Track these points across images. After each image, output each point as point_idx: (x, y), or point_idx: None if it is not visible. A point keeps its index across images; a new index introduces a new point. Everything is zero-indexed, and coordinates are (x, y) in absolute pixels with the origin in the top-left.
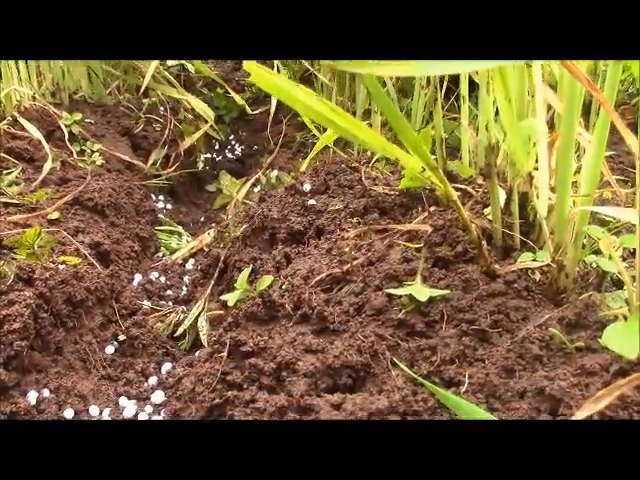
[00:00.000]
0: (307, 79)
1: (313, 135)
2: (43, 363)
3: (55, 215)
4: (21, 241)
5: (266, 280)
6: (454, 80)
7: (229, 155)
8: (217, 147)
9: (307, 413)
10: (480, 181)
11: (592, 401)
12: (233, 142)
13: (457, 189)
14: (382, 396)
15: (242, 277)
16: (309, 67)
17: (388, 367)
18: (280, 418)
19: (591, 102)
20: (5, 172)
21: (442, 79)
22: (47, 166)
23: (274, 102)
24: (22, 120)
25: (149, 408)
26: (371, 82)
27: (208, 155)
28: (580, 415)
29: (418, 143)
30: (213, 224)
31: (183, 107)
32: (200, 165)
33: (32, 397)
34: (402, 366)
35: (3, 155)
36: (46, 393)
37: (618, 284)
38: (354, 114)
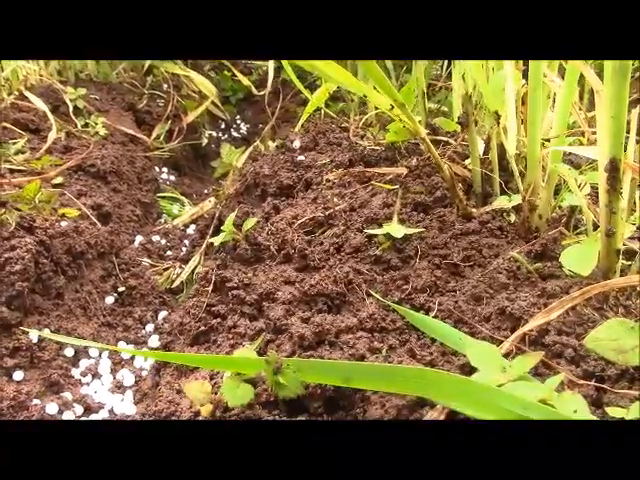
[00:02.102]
0: None
1: (317, 110)
2: (44, 306)
3: (59, 180)
4: (22, 195)
5: (251, 222)
6: None
7: (234, 134)
8: (223, 126)
9: (281, 333)
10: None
11: (545, 312)
12: (239, 121)
13: (439, 141)
14: (350, 316)
15: (228, 220)
16: None
17: (363, 297)
18: (256, 339)
19: None
20: (12, 142)
21: None
22: (52, 135)
23: (271, 73)
24: (28, 93)
25: (146, 350)
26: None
27: (212, 132)
28: (533, 324)
29: (385, 82)
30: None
31: (186, 84)
32: (205, 141)
33: (34, 336)
34: (375, 295)
35: (9, 126)
36: (47, 332)
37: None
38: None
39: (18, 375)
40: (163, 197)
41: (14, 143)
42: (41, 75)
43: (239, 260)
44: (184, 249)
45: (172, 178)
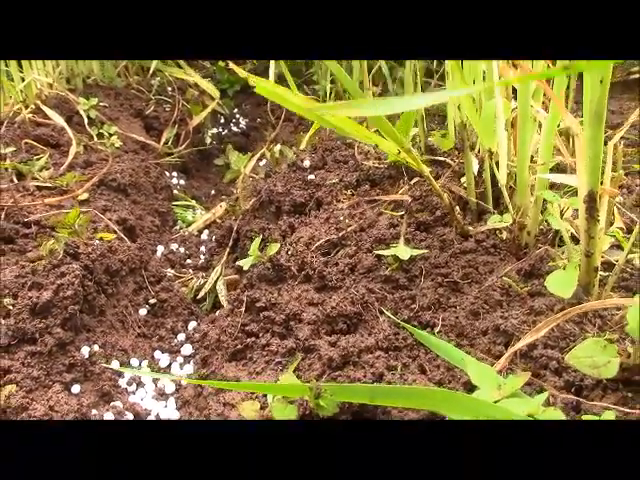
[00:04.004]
0: None
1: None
2: (91, 324)
3: (84, 196)
4: (63, 221)
5: (274, 247)
6: None
7: (234, 129)
8: (222, 121)
9: (311, 352)
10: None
11: (534, 331)
12: (237, 116)
13: (437, 161)
14: (370, 337)
15: (254, 245)
16: None
17: (376, 315)
18: (290, 358)
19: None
20: (35, 158)
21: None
22: (72, 151)
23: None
24: (46, 109)
25: (180, 359)
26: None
27: (215, 130)
28: (523, 342)
29: (391, 130)
30: (223, 196)
31: (189, 85)
32: (208, 140)
33: (85, 351)
34: (387, 313)
35: (32, 142)
36: (96, 348)
37: (573, 238)
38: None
39: (75, 388)
40: (177, 205)
41: (37, 159)
42: (51, 85)
43: (263, 279)
44: (202, 257)
45: (182, 182)
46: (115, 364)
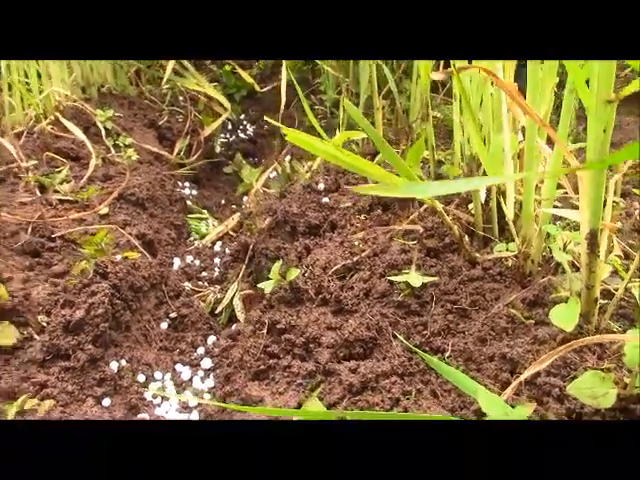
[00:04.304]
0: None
1: (321, 118)
2: (118, 339)
3: (105, 210)
4: (91, 240)
5: (293, 272)
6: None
7: (242, 135)
8: (230, 127)
9: (331, 375)
10: None
11: (537, 363)
12: (244, 122)
13: None
14: (385, 362)
15: (275, 269)
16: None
17: (390, 339)
18: (309, 381)
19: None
20: (56, 170)
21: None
22: (92, 164)
23: (284, 92)
24: (65, 121)
25: (201, 372)
26: (357, 116)
27: (223, 136)
28: (528, 373)
29: (410, 172)
30: (234, 206)
31: (200, 95)
32: (217, 149)
33: (114, 366)
34: (401, 338)
35: (53, 155)
36: (123, 362)
37: (574, 267)
38: (357, 95)
39: (106, 402)
40: (191, 217)
41: (58, 171)
42: (66, 95)
43: (282, 301)
44: (216, 269)
45: (194, 192)
46: (141, 377)
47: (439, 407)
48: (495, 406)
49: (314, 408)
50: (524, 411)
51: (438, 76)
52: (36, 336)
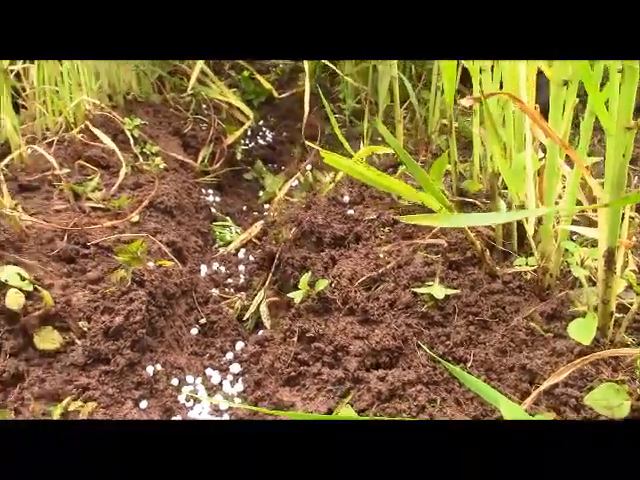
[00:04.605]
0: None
1: (340, 126)
2: (153, 345)
3: (136, 218)
4: (127, 250)
5: (322, 283)
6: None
7: (261, 141)
8: (249, 133)
9: (359, 383)
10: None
11: (556, 375)
12: (263, 128)
13: (467, 202)
14: (411, 370)
15: (304, 279)
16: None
17: (414, 349)
18: (339, 387)
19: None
20: (88, 178)
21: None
22: (122, 173)
23: (307, 102)
24: (96, 131)
25: (230, 377)
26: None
27: (244, 146)
28: (547, 384)
29: (438, 193)
30: (255, 213)
31: (223, 103)
32: (239, 156)
33: (150, 370)
34: (425, 348)
35: (84, 163)
36: (158, 367)
37: (591, 281)
38: (376, 104)
39: (143, 404)
40: (216, 225)
41: (90, 179)
42: (96, 104)
43: (311, 311)
44: (241, 276)
45: (217, 199)
46: (175, 381)
47: (462, 415)
48: (516, 415)
49: (346, 414)
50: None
51: (467, 103)
52: (77, 341)
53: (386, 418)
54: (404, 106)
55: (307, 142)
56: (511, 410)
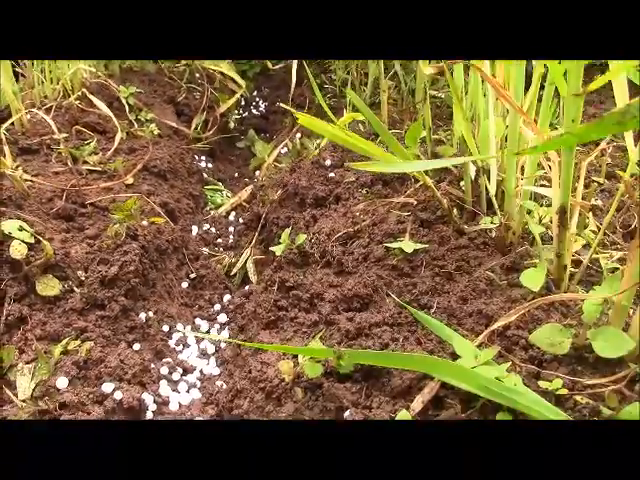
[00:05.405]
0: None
1: (330, 97)
2: (146, 294)
3: (130, 180)
4: (122, 207)
5: (301, 237)
6: None
7: (254, 111)
8: (243, 103)
9: (332, 325)
10: None
11: (506, 316)
12: (257, 99)
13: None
14: (379, 315)
15: (285, 234)
16: None
17: (384, 297)
18: (314, 329)
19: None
20: (85, 143)
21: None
22: (118, 137)
23: (294, 72)
24: (94, 98)
25: (217, 326)
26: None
27: (237, 115)
28: (497, 325)
29: (403, 152)
30: (246, 179)
31: (218, 75)
32: (232, 125)
33: (142, 316)
34: (392, 296)
35: (82, 129)
36: (150, 314)
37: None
38: (366, 75)
39: (137, 346)
40: (208, 189)
41: (87, 144)
42: (92, 73)
43: (291, 263)
44: (231, 237)
45: (209, 165)
46: (165, 327)
47: (421, 351)
48: (466, 349)
49: (315, 346)
50: (490, 353)
51: (429, 70)
52: (76, 289)
53: (387, 418)
54: (389, 75)
55: (293, 110)
56: (462, 345)
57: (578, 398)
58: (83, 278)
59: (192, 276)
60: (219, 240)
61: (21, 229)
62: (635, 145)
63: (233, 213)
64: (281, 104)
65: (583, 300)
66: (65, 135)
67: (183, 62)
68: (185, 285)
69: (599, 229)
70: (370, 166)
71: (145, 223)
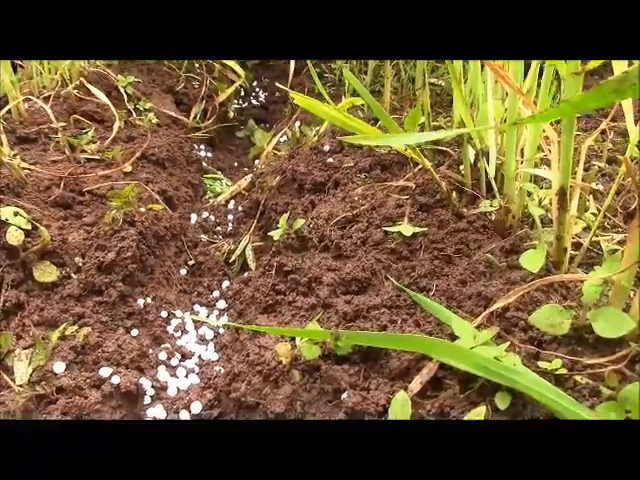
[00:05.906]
0: None
1: (330, 85)
2: (143, 280)
3: (129, 168)
4: (120, 194)
5: (299, 222)
6: None
7: (254, 102)
8: (242, 94)
9: (329, 308)
10: None
11: (505, 298)
12: (257, 89)
13: (440, 150)
14: (377, 297)
15: (283, 219)
16: None
17: (382, 280)
18: (312, 312)
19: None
20: (83, 132)
21: None
22: (116, 126)
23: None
24: (91, 87)
25: (216, 312)
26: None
27: (236, 102)
28: (496, 306)
29: (399, 132)
30: (246, 168)
31: (217, 65)
32: (231, 115)
33: (140, 302)
34: (391, 279)
35: (80, 118)
36: (149, 300)
37: (551, 222)
38: (366, 64)
39: (134, 332)
40: (207, 177)
41: (85, 133)
42: (90, 62)
43: (289, 248)
44: (230, 224)
45: (209, 154)
46: (164, 313)
47: (420, 333)
48: (465, 330)
49: (315, 329)
50: (488, 334)
51: None
52: (73, 275)
53: (385, 399)
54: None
55: (290, 91)
56: (461, 326)
57: (578, 378)
58: (80, 264)
59: (191, 263)
60: (218, 228)
61: (16, 214)
62: (635, 124)
63: (232, 201)
64: (281, 90)
65: (583, 281)
66: (63, 124)
67: None
68: (184, 272)
69: (600, 212)
70: (362, 139)
71: (143, 210)
